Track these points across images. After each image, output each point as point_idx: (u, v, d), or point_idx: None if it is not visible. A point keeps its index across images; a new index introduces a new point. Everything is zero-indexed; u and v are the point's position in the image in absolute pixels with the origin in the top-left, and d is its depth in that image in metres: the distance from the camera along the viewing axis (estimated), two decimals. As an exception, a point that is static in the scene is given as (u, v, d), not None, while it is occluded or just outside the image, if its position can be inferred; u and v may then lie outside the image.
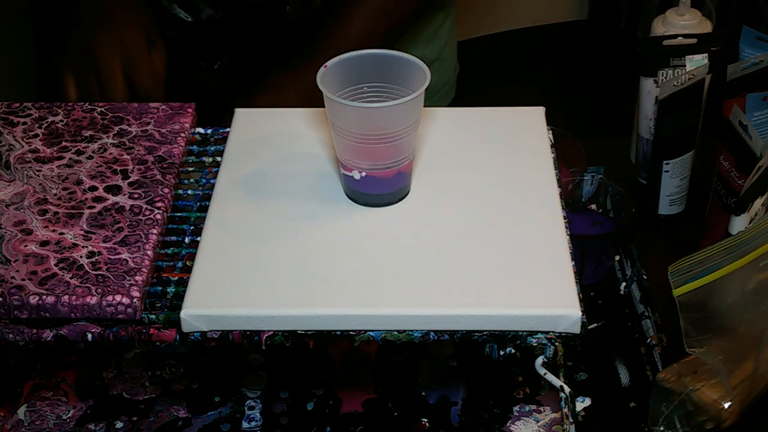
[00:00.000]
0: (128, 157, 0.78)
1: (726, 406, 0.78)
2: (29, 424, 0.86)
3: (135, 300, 0.66)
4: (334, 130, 0.72)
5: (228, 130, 0.83)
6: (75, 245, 0.70)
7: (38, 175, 0.76)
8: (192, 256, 0.72)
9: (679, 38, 0.96)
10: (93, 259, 0.69)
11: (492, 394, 0.86)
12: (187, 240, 0.74)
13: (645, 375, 0.87)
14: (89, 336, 0.68)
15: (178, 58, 1.10)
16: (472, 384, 0.87)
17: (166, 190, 0.75)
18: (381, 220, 0.74)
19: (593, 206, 1.01)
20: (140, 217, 0.72)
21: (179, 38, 1.13)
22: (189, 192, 0.78)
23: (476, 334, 0.67)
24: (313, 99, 0.76)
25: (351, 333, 0.67)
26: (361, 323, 0.67)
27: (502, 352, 0.70)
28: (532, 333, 0.67)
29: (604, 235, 0.99)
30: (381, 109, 0.70)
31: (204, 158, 0.82)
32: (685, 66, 0.95)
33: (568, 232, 0.72)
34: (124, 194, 0.74)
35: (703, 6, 1.01)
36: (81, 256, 0.69)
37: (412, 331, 0.67)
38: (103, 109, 0.83)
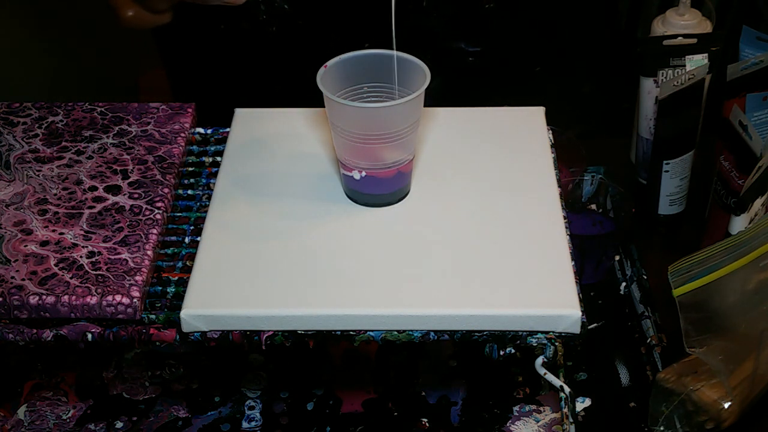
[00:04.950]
0: (128, 157, 0.78)
1: (726, 406, 0.78)
2: (29, 424, 0.86)
3: (135, 300, 0.66)
4: (334, 130, 0.72)
5: (228, 130, 0.83)
6: (75, 245, 0.70)
7: (38, 175, 0.76)
8: (192, 256, 0.72)
9: (679, 38, 0.96)
10: (93, 259, 0.69)
11: (492, 394, 0.86)
12: (187, 240, 0.74)
13: (645, 375, 0.87)
14: (89, 336, 0.68)
15: None
16: (472, 384, 0.87)
17: (166, 190, 0.75)
18: (381, 220, 0.74)
19: (593, 206, 1.01)
20: (140, 217, 0.72)
21: None
22: (189, 192, 0.78)
23: (476, 334, 0.67)
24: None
25: (351, 333, 0.67)
26: (361, 323, 0.67)
27: (502, 352, 0.70)
28: (532, 333, 0.67)
29: (604, 235, 0.99)
30: (381, 109, 0.70)
31: (204, 158, 0.82)
32: (685, 66, 0.95)
33: (568, 232, 0.72)
34: (124, 194, 0.74)
35: (703, 6, 1.01)
36: (81, 256, 0.69)
37: (412, 331, 0.67)
38: (103, 109, 0.83)
